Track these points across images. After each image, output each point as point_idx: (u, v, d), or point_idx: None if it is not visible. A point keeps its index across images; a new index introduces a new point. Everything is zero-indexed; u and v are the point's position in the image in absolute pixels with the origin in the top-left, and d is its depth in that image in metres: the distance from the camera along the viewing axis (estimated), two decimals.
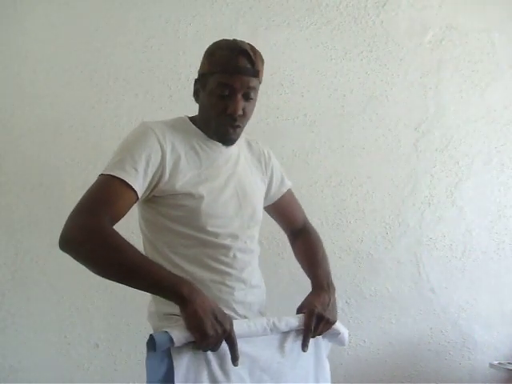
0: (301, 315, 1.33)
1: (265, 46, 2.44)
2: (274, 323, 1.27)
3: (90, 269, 1.16)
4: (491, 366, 2.42)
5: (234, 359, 1.17)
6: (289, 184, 1.59)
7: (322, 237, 2.43)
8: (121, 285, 1.21)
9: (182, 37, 2.43)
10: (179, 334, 1.11)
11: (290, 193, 1.59)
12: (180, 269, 1.27)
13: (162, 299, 1.24)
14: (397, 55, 2.55)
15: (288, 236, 1.65)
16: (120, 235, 1.17)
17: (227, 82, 1.29)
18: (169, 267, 1.24)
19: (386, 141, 2.52)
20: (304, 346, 1.31)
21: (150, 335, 1.11)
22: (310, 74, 2.50)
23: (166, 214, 1.29)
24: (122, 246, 1.15)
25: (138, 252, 1.17)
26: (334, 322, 1.36)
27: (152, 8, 2.43)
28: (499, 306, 2.52)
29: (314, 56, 2.51)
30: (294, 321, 1.30)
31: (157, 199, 1.28)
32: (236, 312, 1.31)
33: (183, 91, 2.38)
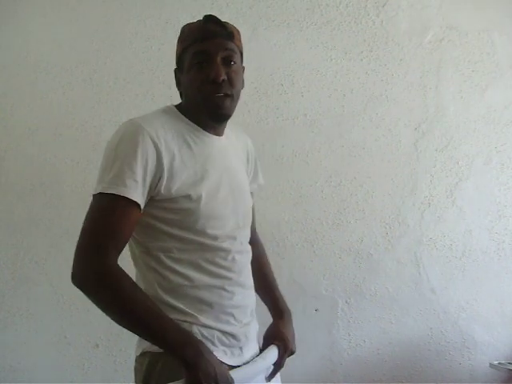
0: (275, 348, 1.33)
1: (265, 46, 2.47)
2: (266, 362, 1.29)
3: (102, 311, 1.14)
4: (491, 366, 2.42)
5: None
6: (261, 181, 1.51)
7: (321, 237, 2.46)
8: None
9: None
10: None
11: (253, 194, 1.49)
12: (176, 273, 1.21)
13: None
14: (397, 55, 2.55)
15: None
16: (129, 279, 1.13)
17: (201, 49, 1.22)
18: (164, 272, 1.21)
19: (385, 141, 2.52)
20: (271, 377, 1.33)
21: None
22: (310, 74, 2.50)
23: (161, 217, 1.20)
24: (130, 297, 1.11)
25: (147, 302, 1.13)
26: (295, 353, 1.39)
27: (152, 8, 2.43)
28: (499, 305, 2.52)
29: (313, 56, 2.51)
30: (274, 356, 1.32)
31: (150, 202, 1.19)
32: (234, 317, 1.26)
33: None
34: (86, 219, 1.16)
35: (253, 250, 1.42)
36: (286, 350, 1.34)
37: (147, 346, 1.21)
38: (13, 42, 2.38)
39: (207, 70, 1.22)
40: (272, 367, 1.32)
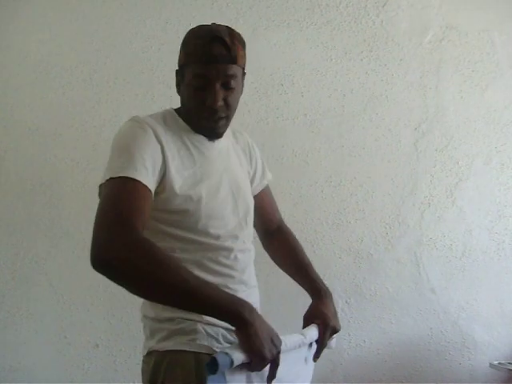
0: (315, 327, 1.31)
1: (265, 46, 2.47)
2: (303, 339, 1.27)
3: (134, 290, 1.06)
4: (491, 366, 2.42)
5: (271, 378, 1.11)
6: (269, 176, 1.53)
7: (321, 237, 2.46)
8: None
9: (182, 37, 2.42)
10: (238, 356, 1.06)
11: (268, 187, 1.53)
12: None
13: (159, 305, 1.19)
14: (397, 55, 2.55)
15: (261, 235, 1.56)
16: (164, 251, 1.08)
17: (202, 73, 1.21)
18: None
19: (385, 141, 2.52)
20: (316, 358, 1.32)
21: (213, 357, 1.03)
22: (310, 74, 2.50)
23: (163, 218, 1.21)
24: (172, 265, 1.05)
25: (189, 270, 1.08)
26: (339, 331, 1.36)
27: (152, 8, 2.43)
28: (499, 305, 2.52)
29: (313, 56, 2.51)
30: (314, 334, 1.30)
31: (153, 203, 1.17)
32: None
33: None
34: (100, 203, 1.10)
35: (284, 238, 1.53)
36: (326, 328, 1.30)
37: (153, 345, 1.22)
38: (13, 42, 2.38)
39: (205, 95, 1.22)
40: (315, 347, 1.31)
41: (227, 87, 1.23)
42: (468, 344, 2.49)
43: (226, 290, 1.21)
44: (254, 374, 1.11)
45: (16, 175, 2.33)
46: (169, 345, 1.19)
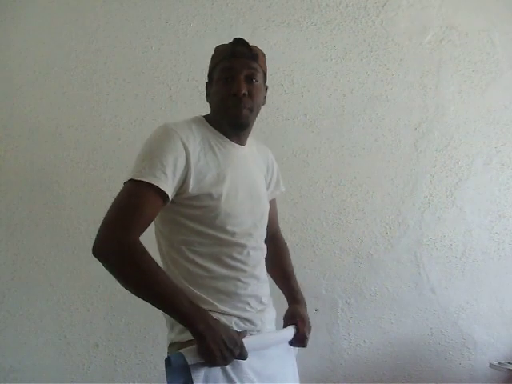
0: (292, 328, 1.46)
1: (265, 46, 2.45)
2: (280, 335, 1.44)
3: (118, 281, 1.24)
4: (491, 366, 2.42)
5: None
6: (282, 189, 1.68)
7: (321, 237, 2.46)
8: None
9: (182, 37, 2.43)
10: (192, 358, 1.23)
11: (275, 200, 1.70)
12: (197, 265, 1.33)
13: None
14: (397, 55, 2.55)
15: None
16: (150, 256, 1.24)
17: (228, 66, 1.38)
18: (185, 264, 1.34)
19: (385, 141, 2.52)
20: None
21: (167, 357, 1.21)
22: (310, 74, 2.50)
23: (185, 213, 1.33)
24: (151, 271, 1.23)
25: (166, 278, 1.25)
26: (308, 335, 1.50)
27: (152, 8, 2.43)
28: (499, 306, 2.52)
29: (313, 56, 2.51)
30: (291, 333, 1.45)
31: (176, 199, 1.32)
32: (249, 305, 1.38)
33: (183, 91, 2.38)
34: (115, 199, 1.27)
35: (275, 246, 1.64)
36: (304, 324, 1.48)
37: (174, 336, 1.34)
38: (13, 42, 2.38)
39: (231, 85, 1.38)
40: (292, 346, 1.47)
41: (250, 80, 1.39)
42: (468, 344, 2.49)
43: (238, 283, 1.37)
44: (229, 368, 1.27)
45: (16, 175, 2.32)
46: (187, 335, 1.28)
